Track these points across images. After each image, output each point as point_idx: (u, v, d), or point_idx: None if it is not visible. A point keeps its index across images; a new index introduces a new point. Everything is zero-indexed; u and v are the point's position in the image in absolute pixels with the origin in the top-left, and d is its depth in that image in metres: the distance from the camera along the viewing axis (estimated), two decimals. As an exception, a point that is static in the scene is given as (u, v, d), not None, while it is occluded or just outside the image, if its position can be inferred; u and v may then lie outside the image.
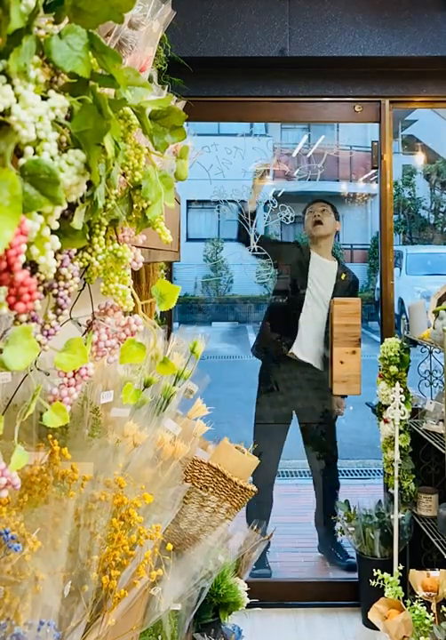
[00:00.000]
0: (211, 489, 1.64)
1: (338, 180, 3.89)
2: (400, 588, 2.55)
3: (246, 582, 2.17)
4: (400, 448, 3.10)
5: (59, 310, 0.69)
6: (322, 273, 3.51)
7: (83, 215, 0.63)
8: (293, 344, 3.48)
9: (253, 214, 3.55)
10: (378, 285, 3.66)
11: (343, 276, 3.53)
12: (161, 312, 3.07)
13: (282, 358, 3.53)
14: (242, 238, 3.61)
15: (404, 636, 2.23)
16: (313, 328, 3.50)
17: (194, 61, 3.11)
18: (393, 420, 3.07)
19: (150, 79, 1.42)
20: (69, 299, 0.69)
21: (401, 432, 3.13)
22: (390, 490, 3.17)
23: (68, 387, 0.72)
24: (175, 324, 3.84)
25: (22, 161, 0.53)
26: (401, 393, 3.06)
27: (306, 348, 3.50)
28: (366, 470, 5.12)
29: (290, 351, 3.48)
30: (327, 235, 3.52)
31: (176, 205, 1.84)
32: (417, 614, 2.29)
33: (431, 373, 3.32)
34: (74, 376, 0.72)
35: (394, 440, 3.11)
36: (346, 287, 3.53)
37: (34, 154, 0.54)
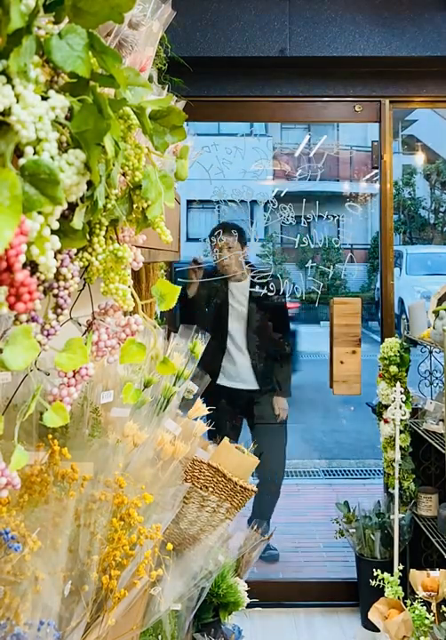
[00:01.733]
0: (211, 489, 1.64)
1: (338, 180, 3.89)
2: (400, 587, 2.55)
3: (246, 582, 2.17)
4: (400, 448, 3.10)
5: (59, 310, 0.69)
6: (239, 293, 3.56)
7: (84, 215, 0.63)
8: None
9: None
10: (378, 285, 3.67)
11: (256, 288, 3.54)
12: (161, 312, 3.07)
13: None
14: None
15: (404, 636, 2.23)
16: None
17: (194, 61, 3.11)
18: (393, 419, 3.07)
19: (150, 79, 1.42)
20: (69, 299, 0.69)
21: (401, 432, 3.13)
22: (390, 490, 3.16)
23: (68, 386, 0.72)
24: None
25: (22, 161, 0.53)
26: (401, 393, 3.06)
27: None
28: (366, 470, 5.12)
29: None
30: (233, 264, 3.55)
31: (176, 205, 1.84)
32: (417, 614, 2.28)
33: (431, 373, 3.32)
34: (74, 376, 0.72)
35: (394, 440, 3.11)
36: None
37: (34, 154, 0.54)
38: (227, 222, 3.62)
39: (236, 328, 3.55)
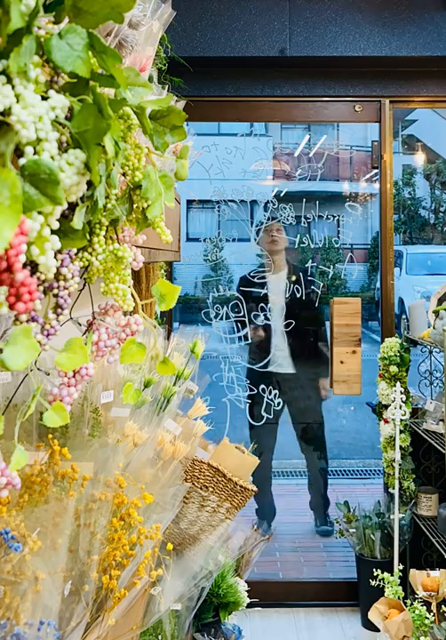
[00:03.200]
0: (211, 489, 1.64)
1: (338, 180, 3.89)
2: (400, 587, 2.55)
3: (246, 582, 2.17)
4: (400, 448, 3.10)
5: (59, 310, 0.69)
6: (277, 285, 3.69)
7: (84, 215, 0.63)
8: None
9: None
10: (378, 285, 3.67)
11: (294, 278, 3.66)
12: (161, 312, 3.07)
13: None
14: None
15: (404, 636, 2.23)
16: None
17: (194, 61, 3.11)
18: (393, 419, 3.07)
19: (150, 79, 1.42)
20: (69, 298, 0.69)
21: (401, 432, 3.13)
22: (390, 490, 3.16)
23: (68, 386, 0.72)
24: (175, 324, 3.84)
25: (22, 161, 0.53)
26: (401, 393, 3.06)
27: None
28: (366, 470, 5.12)
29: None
30: (281, 250, 3.70)
31: (176, 205, 1.84)
32: (417, 614, 2.29)
33: (431, 373, 3.32)
34: (74, 376, 0.72)
35: (394, 440, 3.11)
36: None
37: (34, 154, 0.54)
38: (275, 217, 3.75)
39: (276, 317, 3.68)
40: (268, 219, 3.69)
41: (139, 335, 0.81)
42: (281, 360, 3.71)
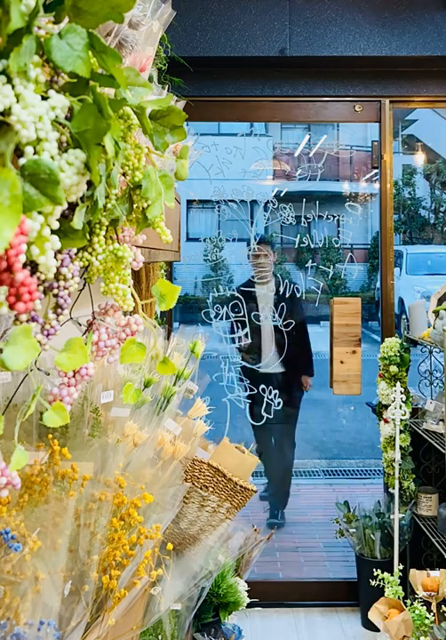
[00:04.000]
0: (211, 489, 1.64)
1: (338, 180, 3.89)
2: (400, 587, 2.55)
3: (246, 582, 2.17)
4: (400, 448, 3.10)
5: (59, 310, 0.69)
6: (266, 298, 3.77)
7: (84, 215, 0.63)
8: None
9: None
10: (378, 285, 3.67)
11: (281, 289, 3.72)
12: (161, 312, 3.07)
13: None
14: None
15: (404, 636, 2.23)
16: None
17: (194, 61, 3.11)
18: (393, 419, 3.07)
19: (150, 79, 1.42)
20: (69, 298, 0.69)
21: (401, 432, 3.13)
22: (390, 489, 3.16)
23: (69, 386, 0.72)
24: (175, 324, 3.84)
25: (22, 161, 0.53)
26: (401, 393, 3.06)
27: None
28: (366, 470, 5.12)
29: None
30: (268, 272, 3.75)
31: (176, 205, 1.84)
32: (417, 614, 2.29)
33: (431, 373, 3.32)
34: (74, 376, 0.72)
35: (394, 440, 3.11)
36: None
37: (34, 153, 0.54)
38: (263, 236, 3.81)
39: (266, 324, 3.73)
40: (268, 219, 3.68)
41: (139, 335, 0.81)
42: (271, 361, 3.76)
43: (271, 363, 3.75)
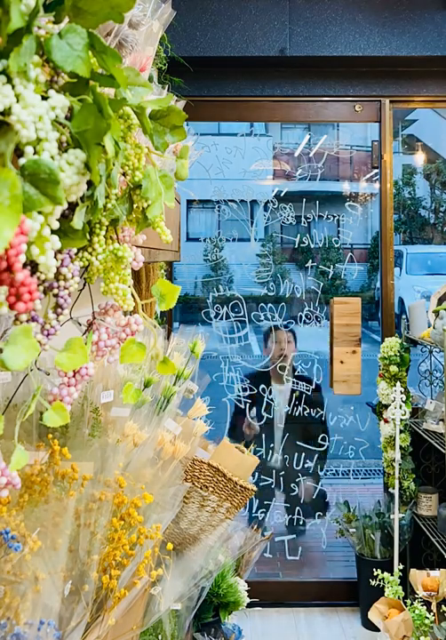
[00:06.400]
0: (211, 488, 1.64)
1: (338, 180, 3.89)
2: (400, 587, 2.55)
3: (246, 582, 2.17)
4: (400, 448, 3.10)
5: (59, 310, 0.69)
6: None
7: (84, 215, 0.63)
8: None
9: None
10: (378, 285, 3.67)
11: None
12: (161, 311, 3.07)
13: None
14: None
15: (404, 636, 2.23)
16: None
17: (194, 61, 3.11)
18: (393, 419, 3.07)
19: (150, 79, 1.42)
20: (69, 298, 0.69)
21: (401, 432, 3.13)
22: (390, 489, 3.16)
23: (69, 386, 0.72)
24: (175, 324, 3.84)
25: (22, 161, 0.53)
26: (401, 392, 3.06)
27: None
28: (366, 470, 5.11)
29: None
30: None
31: (176, 205, 1.84)
32: (417, 614, 2.28)
33: (431, 373, 3.32)
34: (74, 376, 0.72)
35: (394, 440, 3.11)
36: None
37: (34, 153, 0.54)
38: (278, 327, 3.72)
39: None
40: (268, 219, 3.68)
41: (139, 335, 0.81)
42: None
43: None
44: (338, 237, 3.76)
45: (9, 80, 0.52)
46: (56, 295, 0.68)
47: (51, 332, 0.68)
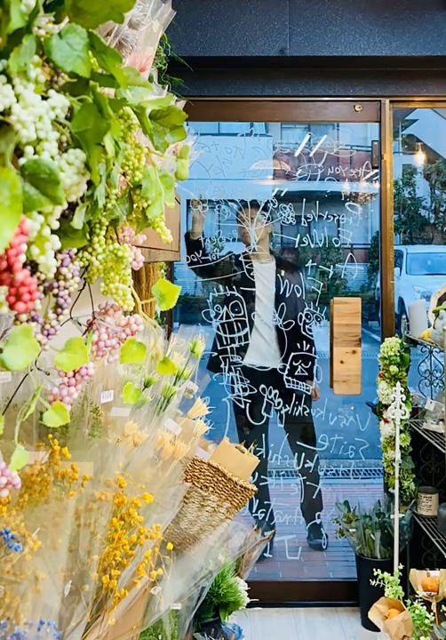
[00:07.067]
0: (211, 488, 1.64)
1: (338, 180, 3.89)
2: (400, 587, 2.55)
3: (246, 582, 2.17)
4: (400, 448, 3.10)
5: (59, 310, 0.69)
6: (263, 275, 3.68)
7: (84, 215, 0.63)
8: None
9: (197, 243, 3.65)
10: (378, 285, 3.67)
11: (282, 273, 3.65)
12: (161, 311, 3.07)
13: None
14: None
15: (404, 636, 2.23)
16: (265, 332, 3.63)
17: (194, 61, 3.11)
18: (393, 419, 3.07)
19: (150, 79, 1.42)
20: (69, 298, 0.69)
21: (401, 432, 3.13)
22: (390, 489, 3.16)
23: (69, 386, 0.72)
24: (175, 324, 3.84)
25: (22, 161, 0.53)
26: (401, 392, 3.06)
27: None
28: (366, 470, 5.11)
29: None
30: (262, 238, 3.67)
31: (176, 205, 1.84)
32: (417, 614, 2.28)
33: (431, 373, 3.32)
34: (74, 376, 0.72)
35: (394, 440, 3.11)
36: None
37: (34, 153, 0.54)
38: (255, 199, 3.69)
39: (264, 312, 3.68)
40: (268, 219, 3.68)
41: (139, 335, 0.82)
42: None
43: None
44: (338, 237, 3.76)
45: (9, 80, 0.52)
46: (56, 295, 0.68)
47: (51, 332, 0.68)
